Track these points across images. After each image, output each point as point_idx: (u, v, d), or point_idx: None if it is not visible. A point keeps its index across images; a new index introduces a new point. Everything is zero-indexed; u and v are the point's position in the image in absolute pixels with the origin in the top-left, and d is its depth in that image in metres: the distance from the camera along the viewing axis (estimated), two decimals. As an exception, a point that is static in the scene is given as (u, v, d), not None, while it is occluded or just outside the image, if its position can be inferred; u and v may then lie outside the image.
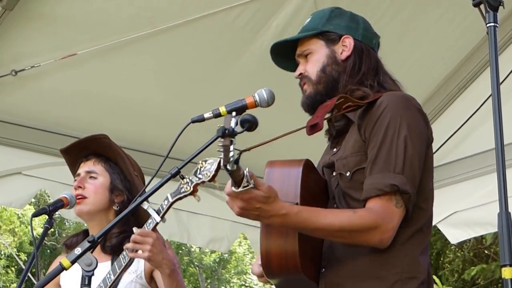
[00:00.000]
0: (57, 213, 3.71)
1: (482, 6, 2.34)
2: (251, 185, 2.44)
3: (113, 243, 3.64)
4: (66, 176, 5.51)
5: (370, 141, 2.72)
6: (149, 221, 3.39)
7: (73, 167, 3.92)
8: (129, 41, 5.19)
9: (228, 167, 2.33)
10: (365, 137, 2.74)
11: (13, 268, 22.56)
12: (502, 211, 2.06)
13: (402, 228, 2.65)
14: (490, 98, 2.26)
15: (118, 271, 3.39)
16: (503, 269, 2.03)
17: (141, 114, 5.63)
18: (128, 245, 3.33)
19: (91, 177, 3.74)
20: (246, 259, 27.92)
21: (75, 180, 3.79)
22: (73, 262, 2.66)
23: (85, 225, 3.88)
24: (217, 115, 2.84)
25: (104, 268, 3.50)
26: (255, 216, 2.55)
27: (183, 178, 3.17)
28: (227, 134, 2.37)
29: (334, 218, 2.59)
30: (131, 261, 3.44)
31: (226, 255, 26.58)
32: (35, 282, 3.28)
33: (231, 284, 28.18)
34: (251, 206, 2.49)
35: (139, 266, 3.65)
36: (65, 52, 5.16)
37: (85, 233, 3.79)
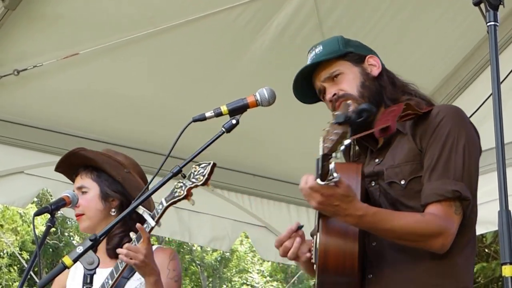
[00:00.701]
0: (59, 212, 3.73)
1: (482, 6, 2.34)
2: (336, 179, 2.44)
3: (116, 243, 3.67)
4: (68, 175, 5.55)
5: (428, 150, 2.75)
6: (144, 225, 3.42)
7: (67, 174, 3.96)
8: (130, 40, 5.21)
9: (336, 155, 2.33)
10: (421, 146, 2.78)
11: (15, 267, 22.56)
12: (502, 209, 2.07)
13: (458, 236, 2.69)
14: (491, 97, 2.27)
15: (116, 275, 3.43)
16: (503, 267, 2.04)
17: (142, 113, 5.65)
18: (121, 256, 3.36)
19: (82, 192, 3.75)
20: (247, 257, 27.92)
21: (74, 190, 3.80)
22: (75, 261, 2.68)
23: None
24: (219, 114, 2.87)
25: (107, 273, 3.54)
26: (331, 212, 2.56)
27: (184, 177, 3.19)
28: (346, 121, 2.34)
29: (405, 221, 2.62)
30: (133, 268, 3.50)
31: (228, 253, 26.58)
32: (37, 281, 3.30)
33: (233, 283, 28.15)
34: (329, 203, 2.50)
35: None
36: (67, 51, 5.18)
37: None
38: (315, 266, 2.83)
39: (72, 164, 3.86)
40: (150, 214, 3.43)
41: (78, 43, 5.18)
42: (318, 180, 2.44)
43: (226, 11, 5.18)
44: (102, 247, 3.68)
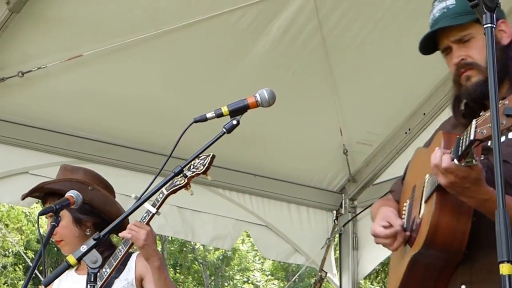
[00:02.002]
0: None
1: (479, 8, 2.30)
2: (475, 162, 2.40)
3: None
4: (72, 176, 5.58)
5: None
6: (144, 214, 3.54)
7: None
8: (133, 42, 5.24)
9: (488, 143, 2.26)
10: None
11: (20, 266, 22.54)
12: (499, 208, 2.06)
13: None
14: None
15: (115, 263, 3.55)
16: (501, 265, 2.02)
17: (145, 114, 5.68)
18: (124, 232, 3.50)
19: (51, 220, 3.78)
20: (249, 256, 27.84)
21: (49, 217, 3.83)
22: (79, 259, 2.71)
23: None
24: (219, 115, 2.87)
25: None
26: (457, 192, 2.51)
27: (185, 177, 3.24)
28: None
29: None
30: (125, 260, 3.67)
31: (230, 252, 26.50)
32: (42, 279, 3.34)
33: (235, 281, 28.10)
34: (461, 184, 2.46)
35: (129, 274, 3.82)
36: (71, 53, 5.21)
37: None
38: (407, 233, 2.82)
39: (39, 196, 4.03)
40: (150, 203, 3.52)
41: (81, 45, 5.21)
42: (455, 161, 2.41)
43: (227, 13, 5.21)
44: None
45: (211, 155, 3.53)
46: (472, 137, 2.30)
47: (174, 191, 3.56)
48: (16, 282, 21.74)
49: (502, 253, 2.03)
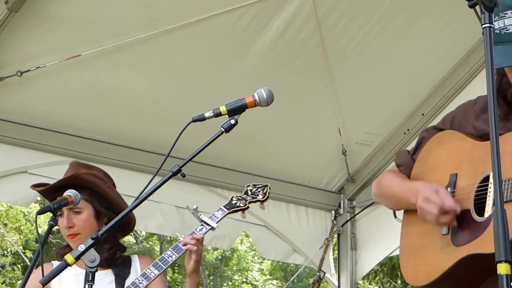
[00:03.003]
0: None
1: (478, 8, 2.28)
2: None
3: (106, 257, 3.79)
4: (70, 175, 5.58)
5: None
6: (200, 226, 3.74)
7: (48, 197, 3.99)
8: (132, 42, 5.24)
9: None
10: None
11: (19, 265, 22.51)
12: (497, 208, 2.07)
13: None
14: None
15: (164, 267, 3.65)
16: (498, 265, 2.03)
17: (144, 114, 5.68)
18: (190, 245, 3.67)
19: (75, 212, 3.82)
20: (247, 256, 27.83)
21: (59, 216, 3.79)
22: (77, 259, 2.71)
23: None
24: (218, 114, 2.88)
25: (104, 275, 3.76)
26: None
27: (183, 176, 3.24)
28: None
29: None
30: (128, 262, 3.83)
31: (228, 252, 26.49)
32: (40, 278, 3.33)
33: (233, 281, 28.09)
34: None
35: (137, 275, 3.81)
36: (70, 53, 5.21)
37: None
38: (454, 224, 2.76)
39: (59, 187, 3.91)
40: (209, 217, 3.76)
41: (80, 44, 5.20)
42: None
43: (226, 13, 5.21)
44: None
45: (268, 186, 3.95)
46: None
47: (234, 212, 3.82)
48: (14, 281, 21.72)
49: (499, 252, 2.03)
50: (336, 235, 6.62)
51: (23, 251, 20.16)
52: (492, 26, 2.25)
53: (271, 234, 6.38)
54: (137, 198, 2.89)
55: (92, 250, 2.72)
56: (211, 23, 5.24)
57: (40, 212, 3.53)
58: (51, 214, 3.53)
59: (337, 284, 6.57)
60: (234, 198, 3.89)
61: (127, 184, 5.67)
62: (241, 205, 3.84)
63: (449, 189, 2.86)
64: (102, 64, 5.34)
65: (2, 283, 21.42)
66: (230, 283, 28.13)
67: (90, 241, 2.73)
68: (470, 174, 2.78)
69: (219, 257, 27.60)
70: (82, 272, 3.82)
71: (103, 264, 3.77)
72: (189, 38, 5.33)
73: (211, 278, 28.12)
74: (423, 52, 5.60)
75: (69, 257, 2.72)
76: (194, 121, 2.86)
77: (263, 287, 27.86)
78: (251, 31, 5.36)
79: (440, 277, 2.76)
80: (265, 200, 3.91)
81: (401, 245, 3.07)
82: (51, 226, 3.49)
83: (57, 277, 3.78)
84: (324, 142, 6.24)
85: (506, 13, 2.68)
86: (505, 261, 2.03)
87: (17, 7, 4.83)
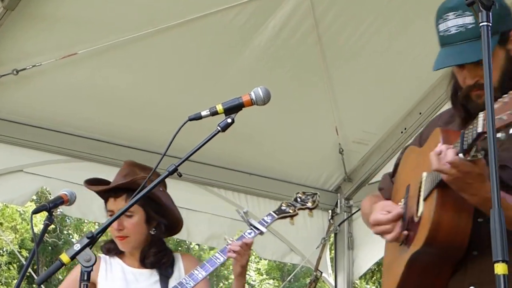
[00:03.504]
0: (59, 210, 3.77)
1: (475, 6, 2.28)
2: (480, 156, 2.36)
3: (152, 261, 3.86)
4: (66, 174, 5.57)
5: None
6: (249, 230, 3.85)
7: (99, 194, 3.98)
8: (129, 40, 5.22)
9: (501, 135, 2.17)
10: None
11: (14, 265, 22.48)
12: (494, 207, 2.06)
13: None
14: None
15: (212, 268, 3.77)
16: (495, 265, 2.02)
17: (140, 113, 5.67)
18: (231, 253, 3.77)
19: (126, 215, 3.82)
20: (245, 256, 27.78)
21: (109, 216, 3.84)
22: (72, 258, 2.67)
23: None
24: (214, 113, 2.86)
25: (150, 275, 3.85)
26: (459, 188, 2.48)
27: (180, 175, 3.23)
28: None
29: None
30: (172, 260, 3.92)
31: (225, 252, 26.38)
32: (36, 278, 3.32)
33: (230, 281, 28.08)
34: (464, 180, 2.44)
35: (180, 274, 3.90)
36: (66, 51, 5.19)
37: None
38: (404, 232, 2.80)
39: (116, 188, 3.91)
40: (258, 221, 3.87)
41: (76, 43, 5.19)
42: (461, 155, 2.38)
43: (223, 11, 5.19)
44: (131, 253, 3.90)
45: (317, 194, 4.07)
46: (480, 130, 2.27)
47: (283, 217, 3.95)
48: (10, 281, 21.69)
49: (497, 252, 2.02)
50: (333, 235, 6.61)
51: (19, 250, 20.14)
52: (490, 24, 2.24)
53: (267, 233, 6.26)
54: (133, 196, 2.87)
55: (88, 250, 2.68)
56: (207, 22, 5.23)
57: (35, 211, 3.53)
58: (47, 213, 3.54)
59: (334, 284, 6.56)
60: (283, 204, 4.02)
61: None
62: (290, 211, 3.96)
63: (402, 200, 2.92)
64: (99, 63, 5.32)
65: (-2, 283, 21.42)
66: (226, 282, 28.12)
67: (86, 240, 2.68)
68: (416, 181, 2.83)
69: (216, 256, 27.54)
70: (129, 269, 3.86)
71: (148, 267, 3.87)
72: (186, 37, 5.32)
73: (207, 277, 28.05)
74: (420, 50, 5.58)
75: (64, 257, 2.67)
76: (190, 119, 2.84)
77: (260, 287, 27.87)
78: (248, 29, 5.35)
79: (399, 286, 2.80)
80: (314, 208, 4.04)
81: (384, 263, 3.17)
82: (46, 225, 3.50)
83: (103, 272, 3.88)
84: (321, 141, 6.24)
85: (448, 15, 2.72)
86: (502, 261, 2.02)
87: (13, 5, 4.81)
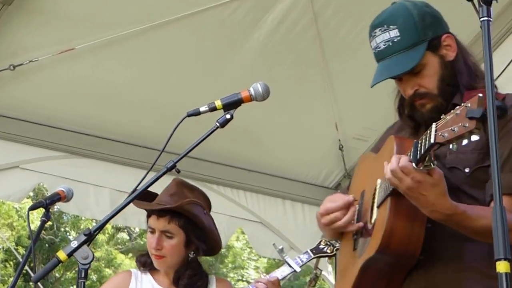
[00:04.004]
0: (56, 207, 3.74)
1: (475, 1, 2.29)
2: (433, 166, 2.38)
3: (186, 283, 3.83)
4: (63, 170, 5.55)
5: (499, 140, 2.54)
6: (283, 268, 3.87)
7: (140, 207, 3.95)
8: (127, 35, 5.19)
9: (453, 146, 2.25)
10: None
11: (11, 262, 22.47)
12: (496, 205, 2.05)
13: None
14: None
15: None
16: (497, 263, 2.01)
17: (138, 108, 5.64)
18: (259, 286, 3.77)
19: (167, 236, 3.80)
20: (243, 254, 27.84)
21: (150, 232, 3.84)
22: (69, 255, 2.65)
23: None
24: (213, 108, 2.84)
25: None
26: (417, 202, 2.48)
27: (178, 172, 3.19)
28: (482, 118, 2.18)
29: (487, 219, 2.40)
30: (206, 284, 3.87)
31: (224, 250, 26.49)
32: (32, 275, 3.29)
33: (229, 279, 28.08)
34: (418, 190, 2.43)
35: None
36: (63, 46, 5.17)
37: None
38: (355, 237, 2.84)
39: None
40: (294, 259, 3.88)
41: (74, 38, 5.16)
42: (414, 164, 2.40)
43: (222, 6, 5.16)
44: (166, 273, 3.88)
45: None
46: (432, 140, 2.30)
47: (320, 257, 3.94)
48: (6, 278, 21.69)
49: (498, 250, 2.01)
50: (332, 232, 6.58)
51: (16, 247, 20.13)
52: (491, 19, 2.25)
53: (267, 230, 6.36)
54: (131, 194, 2.85)
55: (85, 247, 2.66)
56: (206, 16, 5.20)
57: (32, 208, 3.51)
58: (44, 210, 3.52)
59: (333, 282, 6.52)
60: (322, 243, 3.98)
61: (120, 180, 5.65)
62: (328, 251, 3.93)
63: (357, 206, 2.93)
64: (96, 58, 5.30)
65: (-6, 280, 21.42)
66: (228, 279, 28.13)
67: (83, 238, 2.66)
68: (370, 187, 2.85)
69: (214, 254, 27.55)
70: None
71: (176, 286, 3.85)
72: (184, 32, 5.28)
73: (206, 275, 28.07)
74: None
75: (61, 254, 2.65)
76: (189, 115, 2.82)
77: (259, 285, 27.86)
78: (247, 24, 5.32)
79: None
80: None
81: (337, 269, 3.26)
82: (43, 222, 3.48)
83: (134, 282, 3.88)
84: (321, 137, 6.21)
85: (376, 32, 2.83)
86: (505, 259, 2.01)
87: (10, 0, 4.78)
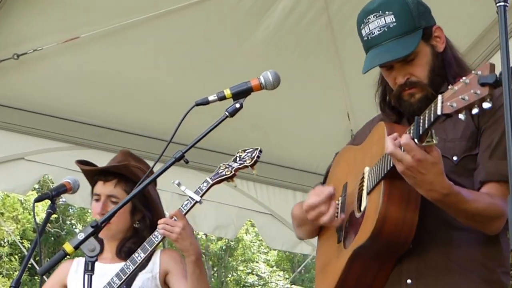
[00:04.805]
0: (61, 199, 3.70)
1: None
2: (435, 142, 2.35)
3: (128, 249, 3.73)
4: (69, 161, 5.47)
5: (488, 128, 2.66)
6: (186, 202, 3.56)
7: (88, 177, 3.88)
8: (132, 24, 5.14)
9: (461, 115, 2.18)
10: (479, 125, 2.68)
11: (16, 256, 22.56)
12: (511, 195, 1.98)
13: None
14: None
15: (150, 249, 3.50)
16: None
17: (145, 98, 5.59)
18: (158, 227, 3.47)
19: (112, 201, 3.74)
20: (253, 246, 27.88)
21: (95, 200, 3.78)
22: (76, 247, 2.61)
23: (89, 210, 3.88)
24: (222, 97, 2.80)
25: (112, 269, 3.63)
26: (415, 181, 2.45)
27: (186, 162, 3.11)
28: (495, 84, 2.13)
29: (480, 204, 2.54)
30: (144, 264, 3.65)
31: (233, 242, 26.56)
32: (38, 269, 3.24)
33: (238, 272, 28.15)
34: (417, 169, 2.40)
35: (154, 267, 3.74)
36: (68, 35, 5.12)
37: None
38: (338, 230, 2.84)
39: (106, 171, 3.82)
40: (194, 191, 3.57)
41: (78, 26, 5.12)
42: (415, 140, 2.36)
43: (230, -7, 5.10)
44: (110, 247, 3.78)
45: (258, 149, 3.64)
46: (439, 112, 2.24)
47: (219, 181, 3.60)
48: (11, 272, 21.77)
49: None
50: (343, 224, 6.53)
51: (21, 241, 20.20)
52: (507, 4, 2.17)
53: (277, 222, 6.31)
54: (139, 185, 2.81)
55: (92, 239, 2.62)
56: (213, 4, 5.14)
57: (37, 200, 3.49)
58: (49, 202, 3.50)
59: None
60: (221, 167, 3.68)
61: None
62: (227, 173, 3.62)
63: (340, 199, 2.93)
64: (101, 47, 5.25)
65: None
66: (235, 274, 28.20)
67: (90, 229, 2.62)
68: (355, 177, 2.85)
69: (223, 247, 27.68)
70: (99, 265, 3.71)
71: (121, 257, 3.75)
72: (191, 20, 5.22)
73: (215, 269, 28.21)
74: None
75: (67, 246, 2.61)
76: (197, 105, 2.78)
77: (270, 279, 27.90)
78: (256, 11, 5.25)
79: (338, 284, 2.78)
80: (253, 165, 3.64)
81: (316, 265, 3.18)
82: (49, 214, 3.48)
83: (73, 274, 3.80)
84: (332, 127, 6.14)
85: (369, 18, 2.77)
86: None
87: (13, -12, 4.76)
